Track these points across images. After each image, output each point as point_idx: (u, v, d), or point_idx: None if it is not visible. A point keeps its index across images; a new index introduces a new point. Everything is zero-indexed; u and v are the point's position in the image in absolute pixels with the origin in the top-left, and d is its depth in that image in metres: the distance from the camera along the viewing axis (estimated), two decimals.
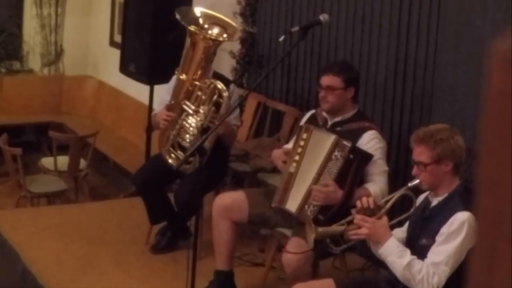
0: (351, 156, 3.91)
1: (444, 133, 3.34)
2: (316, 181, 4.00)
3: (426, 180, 3.34)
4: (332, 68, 4.25)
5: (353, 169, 3.92)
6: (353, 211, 3.49)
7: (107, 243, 5.20)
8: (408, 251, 3.31)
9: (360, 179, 3.99)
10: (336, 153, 3.95)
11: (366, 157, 3.97)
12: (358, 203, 3.49)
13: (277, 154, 4.32)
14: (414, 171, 3.38)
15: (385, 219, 3.42)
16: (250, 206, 4.29)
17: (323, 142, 4.03)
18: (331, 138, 4.00)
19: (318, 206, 3.97)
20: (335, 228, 3.58)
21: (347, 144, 3.94)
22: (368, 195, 3.89)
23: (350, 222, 3.50)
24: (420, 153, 3.33)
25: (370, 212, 3.44)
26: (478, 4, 4.23)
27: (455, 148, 3.31)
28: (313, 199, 3.96)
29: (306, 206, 4.01)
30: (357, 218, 3.44)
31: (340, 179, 3.93)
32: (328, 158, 3.97)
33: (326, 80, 4.16)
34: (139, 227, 5.30)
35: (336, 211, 3.91)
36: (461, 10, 4.34)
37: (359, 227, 3.43)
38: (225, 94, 4.63)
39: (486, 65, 0.78)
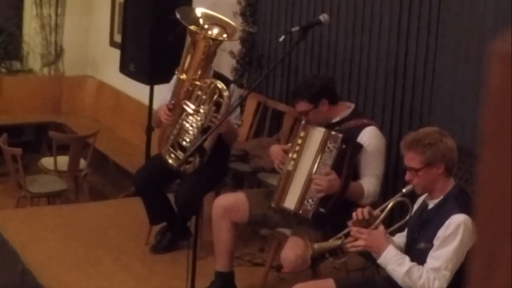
0: (344, 146, 3.94)
1: (432, 136, 3.32)
2: (311, 174, 4.01)
3: (419, 184, 3.35)
4: (296, 94, 4.24)
5: (347, 159, 3.94)
6: (350, 223, 3.49)
7: (107, 243, 5.20)
8: (407, 258, 3.30)
9: (354, 169, 4.00)
10: (329, 144, 3.98)
11: (358, 147, 4.00)
12: (354, 215, 3.48)
13: (275, 151, 4.27)
14: (407, 176, 3.39)
15: (381, 228, 3.42)
16: (251, 207, 4.29)
17: (316, 137, 4.06)
18: (322, 131, 4.04)
19: (317, 198, 3.96)
20: (332, 242, 3.57)
21: (339, 134, 3.97)
22: (362, 191, 3.97)
23: (347, 235, 3.50)
24: (410, 159, 3.33)
25: (366, 222, 3.44)
26: (478, 4, 4.23)
27: (445, 151, 3.30)
28: (316, 189, 3.93)
29: (306, 201, 4.01)
30: (353, 230, 3.44)
31: (335, 170, 3.94)
32: (322, 150, 3.99)
33: (297, 107, 4.21)
34: (139, 227, 5.30)
35: (335, 202, 3.92)
36: (461, 9, 4.34)
37: (356, 239, 3.43)
38: (225, 93, 4.63)
39: (486, 64, 0.77)
